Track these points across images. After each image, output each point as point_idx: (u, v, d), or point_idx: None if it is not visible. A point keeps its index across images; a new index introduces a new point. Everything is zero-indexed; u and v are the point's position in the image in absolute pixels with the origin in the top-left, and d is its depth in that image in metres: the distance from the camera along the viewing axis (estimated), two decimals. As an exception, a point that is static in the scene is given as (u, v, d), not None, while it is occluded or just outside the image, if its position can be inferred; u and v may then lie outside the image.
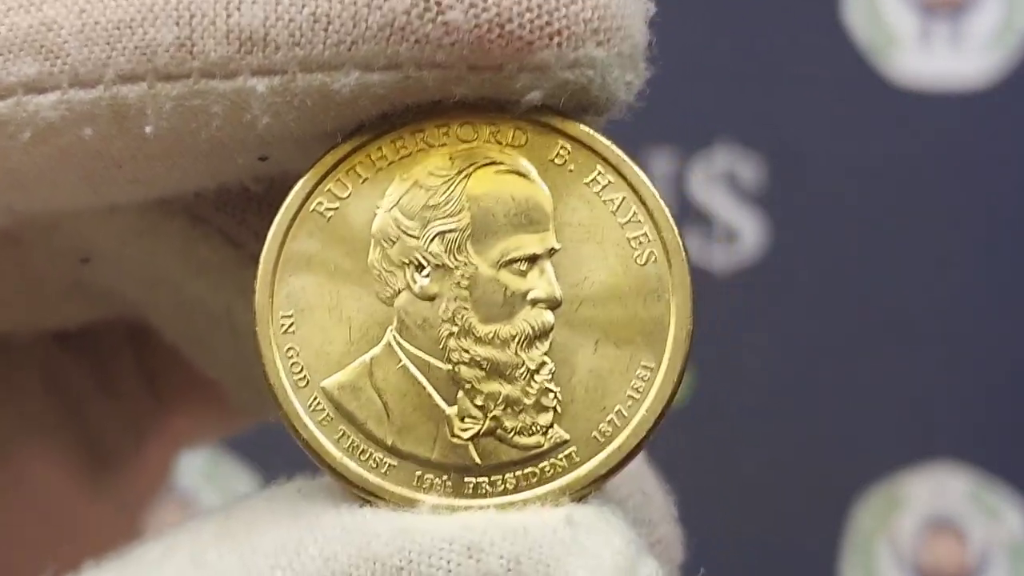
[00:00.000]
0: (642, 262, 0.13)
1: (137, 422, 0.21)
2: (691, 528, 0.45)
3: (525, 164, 0.13)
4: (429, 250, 0.13)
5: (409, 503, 0.13)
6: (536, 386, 0.13)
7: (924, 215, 0.43)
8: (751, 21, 0.44)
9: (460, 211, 0.13)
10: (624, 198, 0.13)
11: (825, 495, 0.41)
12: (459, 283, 0.13)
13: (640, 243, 0.13)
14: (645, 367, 0.13)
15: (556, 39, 0.13)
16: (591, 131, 0.13)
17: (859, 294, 0.42)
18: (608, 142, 0.13)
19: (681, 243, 0.13)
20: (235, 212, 0.16)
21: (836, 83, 0.43)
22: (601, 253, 0.13)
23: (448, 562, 0.12)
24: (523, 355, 0.13)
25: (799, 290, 0.42)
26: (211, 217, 0.16)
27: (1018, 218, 0.42)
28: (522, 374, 0.13)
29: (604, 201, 0.13)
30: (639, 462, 0.15)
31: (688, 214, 0.43)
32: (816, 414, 0.42)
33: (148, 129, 0.14)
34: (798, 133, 0.43)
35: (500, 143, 0.13)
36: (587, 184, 0.13)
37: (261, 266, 0.13)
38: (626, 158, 0.13)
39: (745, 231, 0.43)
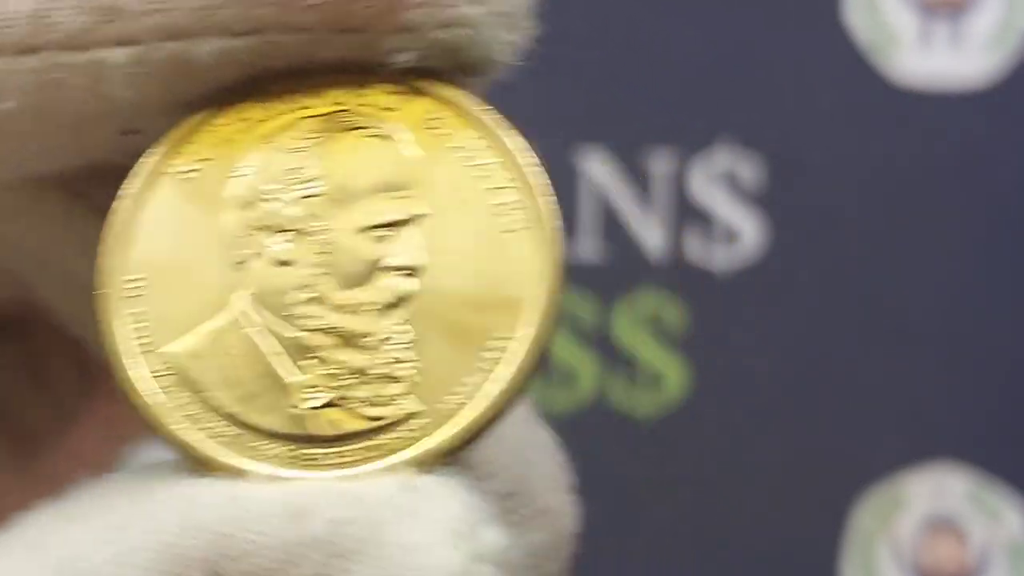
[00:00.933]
0: (506, 229, 0.12)
1: (65, 407, 0.21)
2: (691, 528, 0.46)
3: (391, 127, 0.13)
4: (286, 214, 0.12)
5: (246, 473, 0.12)
6: (388, 356, 0.12)
7: (924, 215, 0.43)
8: (751, 21, 0.44)
9: (321, 176, 0.12)
10: (496, 163, 0.13)
11: (825, 495, 0.41)
12: (317, 249, 0.12)
13: (507, 210, 0.12)
14: (502, 338, 0.12)
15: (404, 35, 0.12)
16: (465, 94, 0.13)
17: (859, 294, 0.42)
18: (482, 106, 0.13)
19: (550, 210, 0.12)
20: (114, 188, 0.15)
21: (836, 83, 0.43)
22: (465, 220, 0.12)
23: (274, 527, 0.12)
24: (378, 323, 0.12)
25: (799, 290, 0.42)
26: (90, 193, 0.16)
27: (1018, 218, 0.42)
28: (375, 343, 0.12)
29: (474, 166, 0.12)
30: (524, 429, 0.14)
31: (688, 214, 0.43)
32: (816, 414, 0.42)
33: (10, 104, 0.13)
34: (798, 133, 0.43)
35: (368, 107, 0.13)
36: (456, 148, 0.13)
37: (111, 228, 0.13)
38: (501, 122, 0.13)
39: (745, 231, 0.43)
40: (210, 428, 0.12)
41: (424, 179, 0.12)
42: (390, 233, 0.12)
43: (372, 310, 0.12)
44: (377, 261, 0.12)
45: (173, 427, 0.13)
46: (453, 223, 0.12)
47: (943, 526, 0.41)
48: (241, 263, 0.12)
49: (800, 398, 0.42)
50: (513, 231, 0.12)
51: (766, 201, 0.43)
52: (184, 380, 0.13)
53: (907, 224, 0.43)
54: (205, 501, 0.12)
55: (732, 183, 0.43)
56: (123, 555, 0.12)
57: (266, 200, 0.12)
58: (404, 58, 0.12)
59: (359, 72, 0.12)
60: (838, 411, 0.42)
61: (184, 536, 0.12)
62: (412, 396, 0.12)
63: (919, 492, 0.41)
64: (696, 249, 0.43)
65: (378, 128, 0.13)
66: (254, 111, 0.13)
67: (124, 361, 0.13)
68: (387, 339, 0.12)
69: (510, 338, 0.12)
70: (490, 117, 0.13)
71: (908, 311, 0.42)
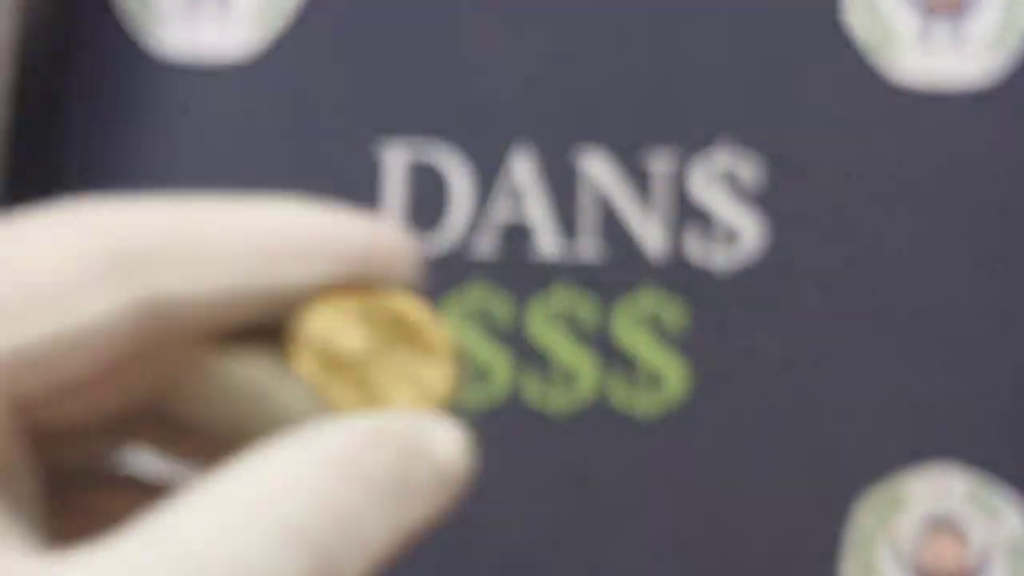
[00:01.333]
0: (434, 345, 0.26)
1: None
2: (691, 528, 0.46)
3: (387, 309, 0.26)
4: (360, 346, 0.26)
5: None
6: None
7: (924, 215, 0.43)
8: (751, 21, 0.44)
9: (365, 334, 0.26)
10: (429, 317, 0.26)
11: (825, 495, 0.41)
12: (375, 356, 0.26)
13: (437, 338, 0.25)
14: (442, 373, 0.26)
15: (398, 273, 0.26)
16: (412, 296, 0.26)
17: (859, 294, 0.42)
18: (420, 301, 0.26)
19: (450, 337, 0.26)
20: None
21: (836, 83, 0.43)
22: (421, 342, 0.26)
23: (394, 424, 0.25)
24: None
25: (799, 290, 0.42)
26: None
27: (1019, 218, 0.42)
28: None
29: (419, 321, 0.26)
30: None
31: (688, 214, 0.43)
32: (816, 414, 0.42)
33: None
34: (798, 133, 0.43)
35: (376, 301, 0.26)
36: (407, 313, 0.26)
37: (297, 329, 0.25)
38: (423, 300, 0.27)
39: (745, 231, 0.43)
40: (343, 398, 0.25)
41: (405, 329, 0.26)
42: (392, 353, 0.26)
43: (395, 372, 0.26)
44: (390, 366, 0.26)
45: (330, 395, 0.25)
46: (416, 342, 0.26)
47: (943, 526, 0.41)
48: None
49: (800, 398, 0.42)
50: (435, 345, 0.25)
51: (766, 201, 0.43)
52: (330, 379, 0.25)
53: (907, 224, 0.43)
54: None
55: (732, 183, 0.43)
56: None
57: (341, 343, 0.25)
58: (393, 287, 0.26)
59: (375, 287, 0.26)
60: (838, 411, 0.42)
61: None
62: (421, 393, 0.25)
63: (919, 492, 0.41)
64: (696, 249, 0.43)
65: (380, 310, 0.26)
66: (333, 302, 0.25)
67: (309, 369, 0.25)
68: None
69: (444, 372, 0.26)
70: (419, 298, 0.26)
71: (908, 311, 0.42)
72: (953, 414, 0.41)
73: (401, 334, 0.26)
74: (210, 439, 0.27)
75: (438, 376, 0.26)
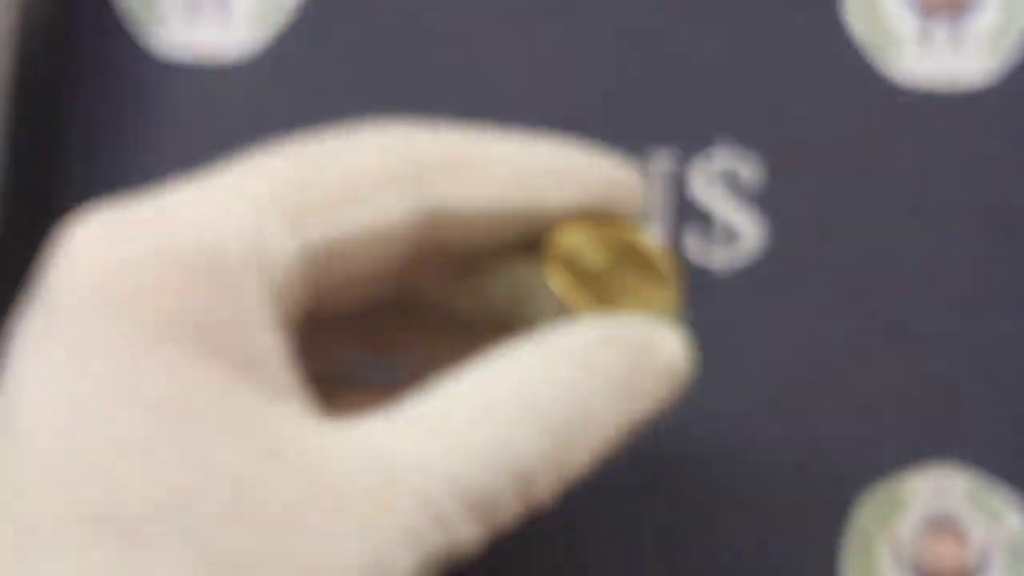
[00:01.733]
0: (653, 257, 0.32)
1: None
2: (691, 527, 0.46)
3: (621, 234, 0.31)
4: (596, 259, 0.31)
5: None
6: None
7: (924, 215, 0.43)
8: (750, 21, 0.44)
9: (599, 249, 0.31)
10: (648, 240, 0.31)
11: (825, 495, 0.41)
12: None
13: (655, 253, 0.32)
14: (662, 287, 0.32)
15: (632, 207, 0.31)
16: (642, 228, 0.31)
17: (859, 294, 0.42)
18: (648, 233, 0.32)
19: (664, 250, 0.30)
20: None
21: (836, 83, 0.43)
22: (642, 257, 0.32)
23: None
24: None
25: (799, 290, 0.42)
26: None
27: (1018, 218, 0.42)
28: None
29: (641, 244, 0.32)
30: None
31: (688, 214, 0.43)
32: (816, 414, 0.42)
33: None
34: (798, 133, 0.43)
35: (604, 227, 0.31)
36: (634, 236, 0.32)
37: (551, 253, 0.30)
38: (645, 222, 0.32)
39: (745, 231, 0.43)
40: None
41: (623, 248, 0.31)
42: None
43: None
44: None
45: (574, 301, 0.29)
46: (635, 260, 0.31)
47: (943, 526, 0.41)
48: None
49: (800, 398, 0.42)
50: (660, 272, 0.31)
51: (766, 201, 0.43)
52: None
53: (907, 224, 0.43)
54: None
55: (732, 183, 0.43)
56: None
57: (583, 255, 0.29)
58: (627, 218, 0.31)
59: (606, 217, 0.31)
60: (838, 411, 0.42)
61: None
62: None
63: (919, 492, 0.41)
64: (696, 249, 0.43)
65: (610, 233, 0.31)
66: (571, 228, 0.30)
67: (558, 284, 0.29)
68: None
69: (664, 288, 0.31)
70: (647, 230, 0.31)
71: (908, 311, 0.42)
72: (953, 414, 0.41)
73: (633, 259, 0.30)
74: (455, 340, 0.30)
75: (663, 296, 0.30)
